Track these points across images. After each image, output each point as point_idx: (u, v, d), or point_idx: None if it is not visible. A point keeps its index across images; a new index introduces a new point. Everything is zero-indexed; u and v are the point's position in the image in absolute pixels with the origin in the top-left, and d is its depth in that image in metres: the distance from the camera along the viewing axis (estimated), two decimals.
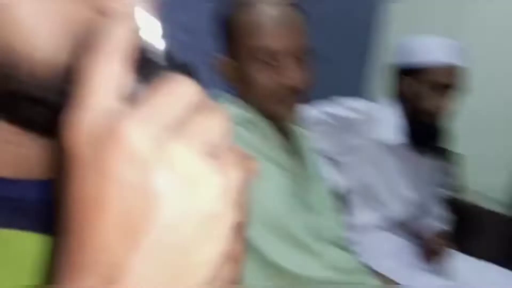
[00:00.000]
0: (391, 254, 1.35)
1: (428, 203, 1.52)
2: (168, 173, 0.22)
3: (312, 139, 1.09)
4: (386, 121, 1.38)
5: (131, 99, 0.24)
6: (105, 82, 0.24)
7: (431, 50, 1.30)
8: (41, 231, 0.36)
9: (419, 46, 1.33)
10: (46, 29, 0.31)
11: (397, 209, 1.41)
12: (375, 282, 0.93)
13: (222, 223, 0.24)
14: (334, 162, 1.37)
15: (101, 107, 0.23)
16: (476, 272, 1.34)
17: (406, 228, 1.47)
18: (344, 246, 0.93)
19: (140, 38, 0.26)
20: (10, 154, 0.36)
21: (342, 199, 1.18)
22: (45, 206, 0.36)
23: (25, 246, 0.35)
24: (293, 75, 0.82)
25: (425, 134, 1.35)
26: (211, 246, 0.24)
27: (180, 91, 0.24)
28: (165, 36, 0.26)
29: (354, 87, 2.00)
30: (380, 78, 2.06)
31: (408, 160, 1.41)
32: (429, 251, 1.40)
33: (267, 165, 0.83)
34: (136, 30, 0.25)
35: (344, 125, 1.36)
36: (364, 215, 1.39)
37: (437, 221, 1.49)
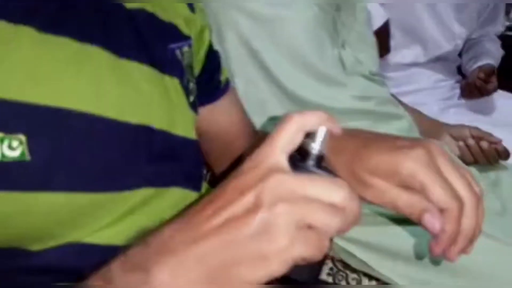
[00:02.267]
0: (428, 90, 1.36)
1: (477, 37, 1.45)
2: (264, 212, 0.29)
3: None
4: None
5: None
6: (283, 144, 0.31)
7: None
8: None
9: None
10: None
11: (444, 43, 1.37)
12: (404, 112, 0.95)
13: None
14: None
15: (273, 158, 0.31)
16: None
17: (450, 64, 1.44)
18: (375, 79, 0.93)
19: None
20: None
21: (381, 32, 1.15)
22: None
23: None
24: None
25: None
26: None
27: (333, 186, 0.30)
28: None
29: None
30: None
31: None
32: (472, 86, 1.38)
33: None
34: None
35: None
36: (404, 50, 1.36)
37: (484, 56, 1.43)
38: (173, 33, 0.52)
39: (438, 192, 0.39)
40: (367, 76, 0.90)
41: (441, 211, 0.39)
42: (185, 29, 0.54)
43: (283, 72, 0.81)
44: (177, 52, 0.52)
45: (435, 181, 0.39)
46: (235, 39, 0.79)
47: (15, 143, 0.36)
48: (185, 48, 0.54)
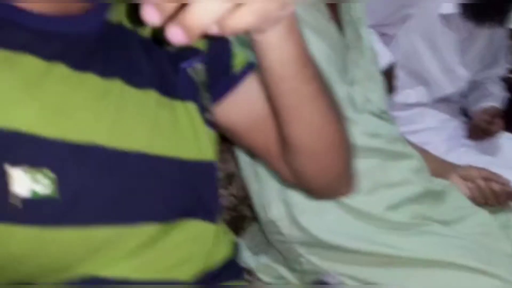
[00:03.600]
0: (434, 130, 1.36)
1: (481, 79, 1.47)
2: None
3: (362, 7, 1.04)
4: None
5: None
6: None
7: None
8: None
9: None
10: None
11: (447, 85, 1.38)
12: (414, 151, 0.95)
13: None
14: (383, 34, 1.32)
15: None
16: None
17: (454, 105, 1.45)
18: (384, 117, 0.93)
19: None
20: None
21: (386, 73, 1.16)
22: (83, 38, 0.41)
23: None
24: None
25: (487, 2, 1.24)
26: None
27: None
28: None
29: None
30: None
31: (465, 32, 1.34)
32: (476, 128, 1.39)
33: (306, 32, 0.82)
34: None
35: None
36: (409, 91, 1.37)
37: (488, 98, 1.45)
38: (182, 50, 0.51)
39: None
40: (377, 113, 0.90)
41: None
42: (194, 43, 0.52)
43: None
44: (189, 70, 0.51)
45: None
46: None
47: (45, 181, 0.36)
48: (198, 66, 0.53)
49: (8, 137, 0.36)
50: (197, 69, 0.52)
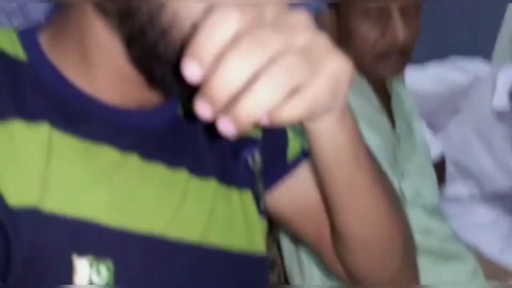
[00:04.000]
0: (487, 226, 1.29)
1: None
2: None
3: (414, 101, 1.04)
4: (500, 85, 1.28)
5: None
6: None
7: None
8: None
9: None
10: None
11: (500, 180, 1.33)
12: (467, 252, 0.90)
13: None
14: (434, 127, 1.31)
15: None
16: None
17: (507, 201, 1.39)
18: (436, 213, 0.90)
19: None
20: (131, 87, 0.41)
21: (437, 166, 1.14)
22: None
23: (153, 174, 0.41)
24: (399, 31, 0.78)
25: None
26: None
27: None
28: None
29: (475, 46, 1.84)
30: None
31: None
32: None
33: (359, 123, 0.82)
34: None
35: (450, 89, 1.28)
36: (459, 184, 1.33)
37: None
38: (242, 139, 0.51)
39: None
40: (428, 209, 0.87)
41: None
42: (252, 133, 0.53)
43: None
44: (249, 159, 0.51)
45: None
46: None
47: (104, 272, 0.36)
48: (256, 155, 0.53)
49: (75, 227, 0.36)
50: (255, 158, 0.53)
